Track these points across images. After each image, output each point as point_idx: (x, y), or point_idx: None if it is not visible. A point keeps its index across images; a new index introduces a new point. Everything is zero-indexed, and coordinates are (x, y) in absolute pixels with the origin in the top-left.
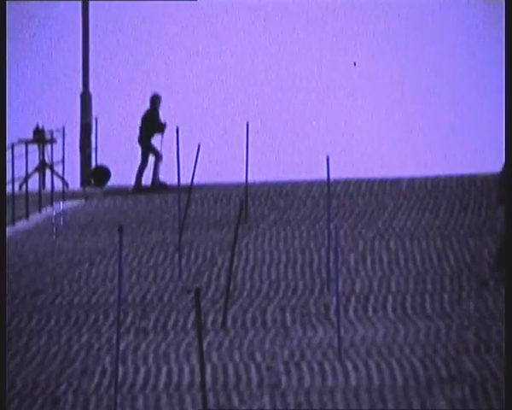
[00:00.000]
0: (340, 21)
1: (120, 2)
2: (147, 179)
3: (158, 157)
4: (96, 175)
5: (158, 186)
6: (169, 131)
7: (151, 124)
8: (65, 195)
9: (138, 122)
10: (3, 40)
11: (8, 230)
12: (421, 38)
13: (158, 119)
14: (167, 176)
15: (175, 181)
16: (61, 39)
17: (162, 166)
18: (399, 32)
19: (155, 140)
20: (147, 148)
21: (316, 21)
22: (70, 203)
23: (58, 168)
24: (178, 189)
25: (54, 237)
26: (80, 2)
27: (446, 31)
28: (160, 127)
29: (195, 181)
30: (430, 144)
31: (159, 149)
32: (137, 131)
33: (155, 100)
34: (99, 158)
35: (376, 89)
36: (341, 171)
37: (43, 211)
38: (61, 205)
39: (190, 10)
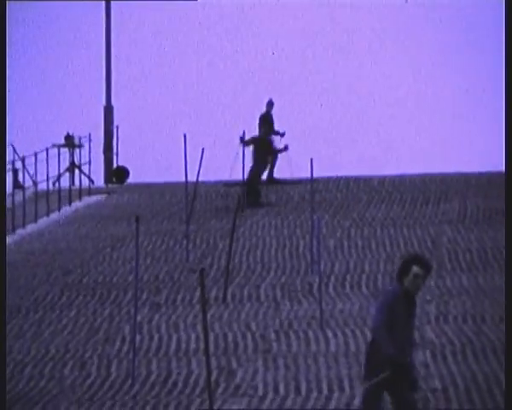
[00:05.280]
0: (340, 22)
1: (142, 28)
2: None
3: (274, 156)
4: (117, 174)
5: (273, 181)
6: (178, 137)
7: (265, 125)
8: (91, 191)
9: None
10: (4, 40)
11: (43, 221)
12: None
13: (272, 121)
14: (176, 175)
15: (183, 179)
16: (87, 60)
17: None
18: (391, 33)
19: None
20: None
21: (315, 22)
22: (95, 198)
23: (85, 168)
24: (186, 185)
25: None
26: (104, 24)
27: (439, 33)
28: (277, 132)
29: (200, 179)
30: (397, 147)
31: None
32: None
33: (269, 105)
34: (120, 160)
35: (352, 96)
36: (322, 170)
37: (73, 204)
38: (88, 199)
39: (190, 11)
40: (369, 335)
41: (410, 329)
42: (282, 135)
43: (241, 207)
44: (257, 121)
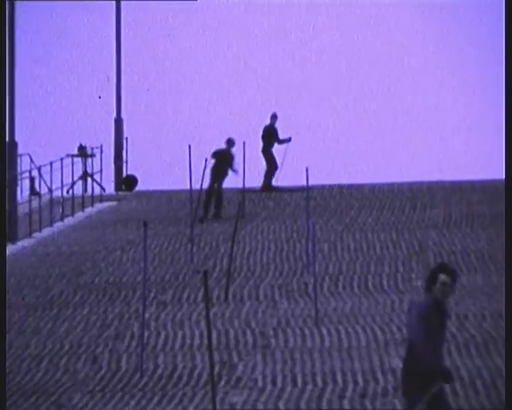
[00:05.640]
0: (339, 23)
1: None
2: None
3: (274, 166)
4: (126, 182)
5: (271, 189)
6: (183, 148)
7: (271, 137)
8: (102, 198)
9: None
10: (5, 42)
11: (58, 225)
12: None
13: (276, 133)
14: (181, 183)
15: (188, 186)
16: (99, 77)
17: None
18: (386, 42)
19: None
20: (268, 156)
21: (315, 23)
22: (106, 204)
23: (97, 177)
24: (190, 193)
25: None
26: (114, 46)
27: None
28: (282, 140)
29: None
30: (387, 157)
31: (283, 155)
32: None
33: (273, 118)
34: (129, 169)
35: (346, 109)
36: (317, 178)
37: (86, 210)
38: (100, 205)
39: (190, 11)
40: (360, 331)
41: (441, 339)
42: (289, 140)
43: (242, 213)
44: (260, 133)
